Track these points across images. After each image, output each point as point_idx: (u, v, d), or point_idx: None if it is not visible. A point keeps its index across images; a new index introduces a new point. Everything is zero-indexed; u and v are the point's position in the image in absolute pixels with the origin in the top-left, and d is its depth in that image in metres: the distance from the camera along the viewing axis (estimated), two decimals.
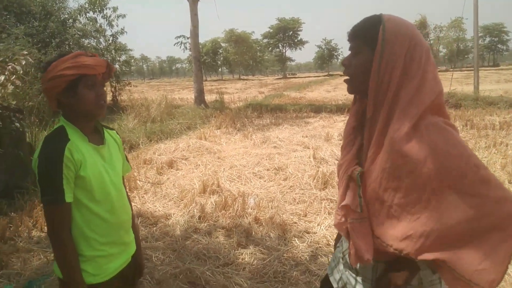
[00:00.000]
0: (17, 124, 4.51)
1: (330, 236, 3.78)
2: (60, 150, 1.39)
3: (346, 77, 1.33)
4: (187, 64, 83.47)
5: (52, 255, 3.57)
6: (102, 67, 1.50)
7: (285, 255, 3.46)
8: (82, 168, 1.44)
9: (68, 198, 1.41)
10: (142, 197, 5.10)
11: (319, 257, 3.43)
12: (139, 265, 1.84)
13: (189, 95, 22.34)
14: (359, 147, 1.35)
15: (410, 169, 1.14)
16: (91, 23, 14.59)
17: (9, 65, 4.13)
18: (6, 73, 4.09)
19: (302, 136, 8.79)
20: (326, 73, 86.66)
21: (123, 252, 1.64)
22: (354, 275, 1.42)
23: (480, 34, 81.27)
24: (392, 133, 1.16)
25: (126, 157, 1.82)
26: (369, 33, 1.22)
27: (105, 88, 1.64)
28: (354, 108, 1.41)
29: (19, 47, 5.82)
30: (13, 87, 4.54)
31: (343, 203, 1.33)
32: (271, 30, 76.59)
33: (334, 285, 1.50)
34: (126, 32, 15.31)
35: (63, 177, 1.38)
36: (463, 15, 49.95)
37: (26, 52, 4.34)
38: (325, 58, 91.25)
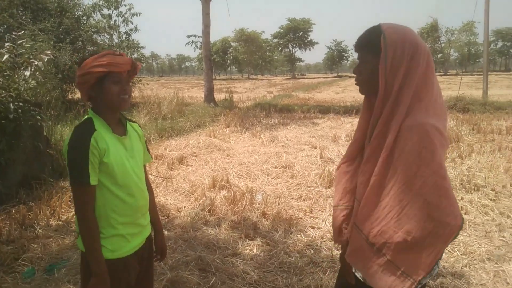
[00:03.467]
0: (38, 117, 4.72)
1: None
2: (87, 139, 1.58)
3: (357, 82, 1.50)
4: (196, 63, 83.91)
5: (68, 241, 3.79)
6: (127, 65, 1.69)
7: (290, 247, 3.63)
8: (106, 155, 1.62)
9: (93, 181, 1.59)
10: (153, 190, 5.28)
11: (323, 250, 3.60)
12: (162, 246, 2.02)
13: (199, 94, 22.56)
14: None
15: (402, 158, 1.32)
16: (105, 20, 14.83)
17: (32, 61, 4.35)
18: (31, 69, 4.31)
19: (310, 136, 8.95)
20: (335, 75, 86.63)
21: (139, 234, 1.82)
22: None
23: (492, 38, 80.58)
24: (399, 124, 1.32)
25: (147, 147, 2.00)
26: (371, 43, 1.39)
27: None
28: (365, 105, 1.58)
29: (40, 44, 6.04)
30: (34, 82, 4.76)
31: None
32: (281, 30, 76.66)
33: None
34: (139, 29, 15.55)
35: (89, 162, 1.57)
36: (475, 19, 49.54)
37: (49, 52, 4.56)
38: (334, 59, 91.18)
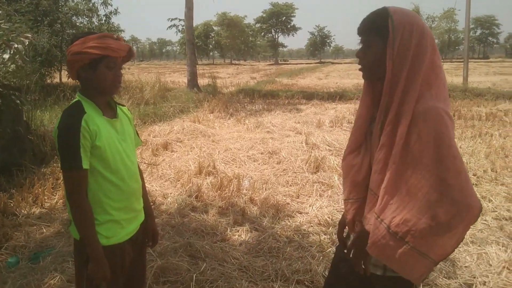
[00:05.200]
0: (18, 102, 4.57)
1: (321, 217, 3.97)
2: (77, 122, 1.53)
3: (360, 67, 1.47)
4: (178, 47, 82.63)
5: (53, 229, 3.72)
6: (124, 51, 1.63)
7: (279, 233, 3.65)
8: (98, 138, 1.57)
9: (85, 165, 1.54)
10: None
11: (311, 235, 3.63)
12: (154, 232, 1.99)
13: (181, 79, 22.27)
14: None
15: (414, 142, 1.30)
16: (83, 1, 14.35)
17: (12, 43, 4.18)
18: (10, 52, 4.14)
19: (295, 122, 8.96)
20: (318, 61, 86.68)
21: (134, 219, 1.79)
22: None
23: (471, 26, 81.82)
24: (411, 109, 1.30)
25: (136, 131, 1.95)
26: (379, 26, 1.36)
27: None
28: (366, 91, 1.55)
29: (18, 25, 5.80)
30: (14, 65, 4.58)
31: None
32: (264, 15, 76.09)
33: None
34: (119, 12, 15.12)
35: (80, 145, 1.52)
36: (456, 6, 50.20)
37: (30, 35, 4.37)
38: (317, 45, 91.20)
